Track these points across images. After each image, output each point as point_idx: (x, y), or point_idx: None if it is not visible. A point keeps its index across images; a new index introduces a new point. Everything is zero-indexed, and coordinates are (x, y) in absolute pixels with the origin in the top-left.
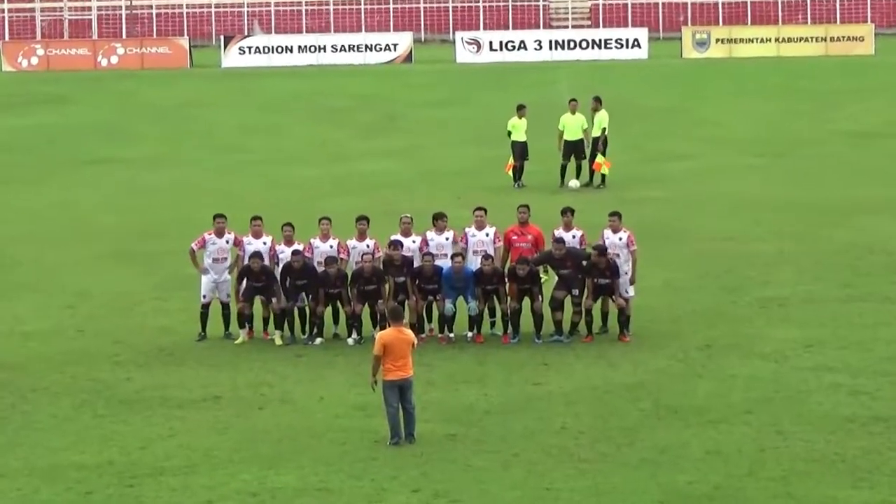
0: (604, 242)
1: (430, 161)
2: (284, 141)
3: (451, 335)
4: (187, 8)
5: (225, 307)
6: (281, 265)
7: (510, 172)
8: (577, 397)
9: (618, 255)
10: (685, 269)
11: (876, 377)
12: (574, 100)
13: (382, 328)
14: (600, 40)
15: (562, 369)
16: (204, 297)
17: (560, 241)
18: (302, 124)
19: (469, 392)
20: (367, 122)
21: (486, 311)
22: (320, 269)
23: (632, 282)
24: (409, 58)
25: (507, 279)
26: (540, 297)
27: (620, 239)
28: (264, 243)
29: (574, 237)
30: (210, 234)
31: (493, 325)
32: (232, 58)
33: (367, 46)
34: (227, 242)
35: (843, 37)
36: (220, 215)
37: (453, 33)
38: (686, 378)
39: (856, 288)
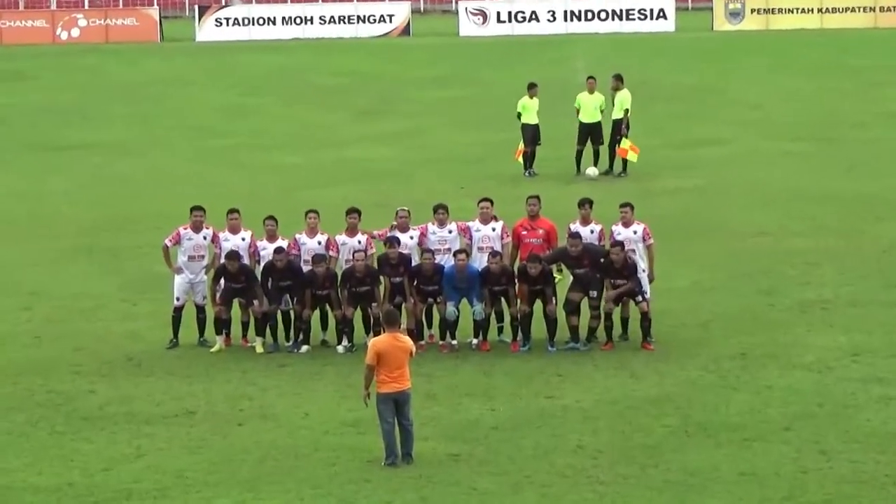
0: (613, 239)
1: (430, 147)
2: (267, 124)
3: (454, 342)
4: None
5: (200, 311)
6: (262, 264)
7: (520, 159)
8: (596, 412)
9: (633, 251)
10: (716, 268)
11: None
12: (592, 77)
13: (376, 334)
14: (622, 10)
15: (578, 381)
16: (177, 299)
17: (576, 236)
18: (286, 105)
19: (474, 406)
20: (359, 103)
21: (493, 315)
22: (306, 267)
23: (651, 280)
24: (406, 30)
25: (516, 279)
26: (553, 299)
27: (635, 233)
28: (243, 239)
29: (592, 232)
30: (186, 229)
31: (500, 330)
32: (207, 31)
33: (359, 18)
34: (205, 238)
35: (895, 7)
36: (197, 208)
37: (456, 3)
38: (717, 391)
39: None
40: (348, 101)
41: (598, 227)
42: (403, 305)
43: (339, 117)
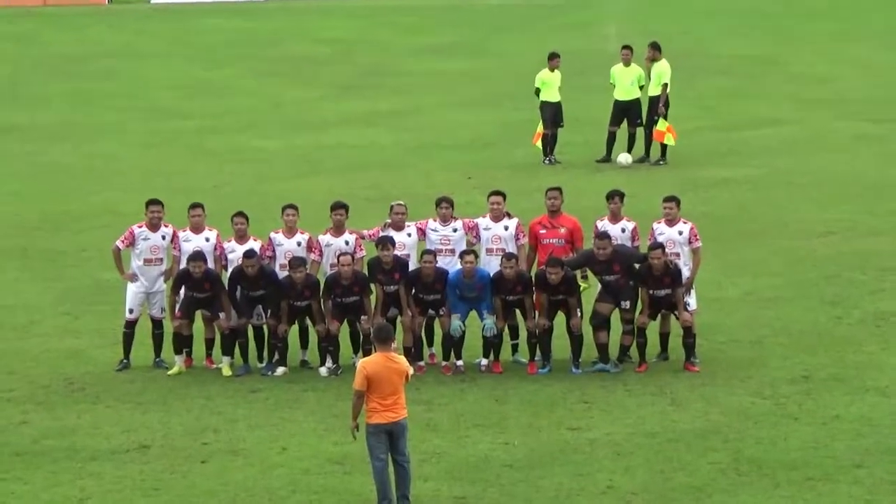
0: (654, 240)
1: (430, 129)
2: (234, 103)
3: (460, 363)
4: None
5: (156, 325)
6: (230, 269)
7: (539, 144)
8: (629, 447)
9: (677, 256)
10: (773, 274)
11: None
12: (628, 47)
13: (366, 354)
14: None
15: (608, 409)
16: (129, 311)
17: (605, 236)
18: (256, 80)
19: (483, 440)
20: (344, 76)
21: (507, 330)
22: (283, 273)
23: (686, 287)
24: None
25: (533, 287)
26: (578, 311)
27: (680, 233)
28: (207, 240)
29: (624, 231)
30: (140, 228)
31: (515, 349)
32: None
33: None
34: (164, 238)
35: None
36: (153, 202)
37: None
38: (775, 421)
39: None
40: (331, 74)
41: (630, 225)
42: (399, 319)
43: (320, 94)
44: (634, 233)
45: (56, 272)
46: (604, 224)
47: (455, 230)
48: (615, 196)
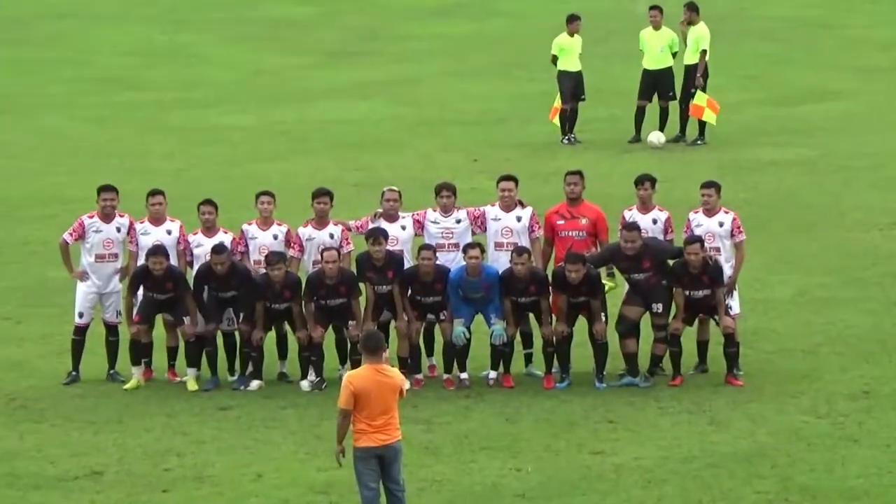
0: (691, 233)
1: (430, 103)
2: (202, 72)
3: (464, 376)
4: None
5: (111, 332)
6: (196, 266)
7: (556, 120)
8: (662, 473)
9: (717, 251)
10: (829, 272)
11: None
12: (656, 7)
13: (354, 365)
14: None
15: (637, 430)
16: (79, 315)
17: (633, 227)
18: (228, 46)
19: (492, 465)
20: (331, 42)
21: (519, 337)
22: (259, 271)
23: (728, 288)
24: None
25: (550, 287)
26: (603, 315)
27: (721, 225)
28: (169, 232)
29: (655, 222)
30: (92, 218)
31: (528, 359)
32: None
33: None
34: (119, 231)
35: None
36: (107, 188)
37: None
38: (831, 444)
39: None
40: (315, 39)
41: (662, 215)
42: (392, 324)
43: (302, 61)
44: (668, 224)
45: None
46: (632, 214)
47: (458, 221)
48: (645, 181)
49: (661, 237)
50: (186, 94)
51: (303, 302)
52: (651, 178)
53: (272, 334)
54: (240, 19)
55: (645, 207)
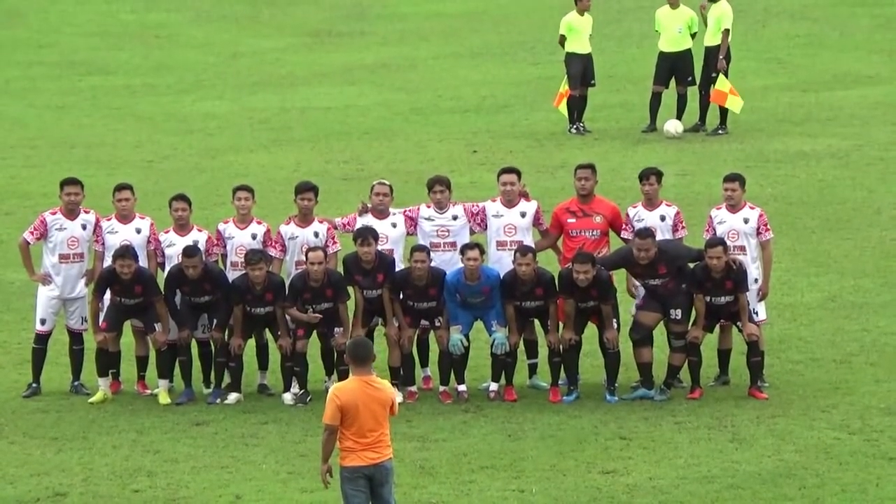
0: (714, 232)
1: (424, 88)
2: (174, 54)
3: (462, 388)
4: None
5: (76, 340)
6: (168, 268)
7: (562, 107)
8: (679, 495)
9: (742, 250)
10: (863, 274)
11: None
12: None
13: (341, 377)
14: None
15: (652, 447)
16: (41, 322)
17: (646, 233)
18: (202, 25)
19: (493, 486)
20: (316, 21)
21: (523, 345)
22: (235, 274)
23: (762, 296)
24: None
25: (557, 290)
26: (615, 322)
27: (746, 221)
28: (138, 231)
29: (663, 219)
30: (54, 215)
31: (533, 370)
32: None
33: None
34: (84, 228)
35: None
36: (71, 182)
37: None
38: (865, 462)
39: None
40: (300, 18)
41: (671, 211)
42: (384, 332)
43: (284, 43)
44: (677, 220)
45: None
46: (637, 211)
47: (455, 217)
48: (651, 175)
49: (670, 235)
50: (157, 79)
51: (285, 307)
52: (657, 172)
53: (252, 343)
54: None
55: (651, 204)
